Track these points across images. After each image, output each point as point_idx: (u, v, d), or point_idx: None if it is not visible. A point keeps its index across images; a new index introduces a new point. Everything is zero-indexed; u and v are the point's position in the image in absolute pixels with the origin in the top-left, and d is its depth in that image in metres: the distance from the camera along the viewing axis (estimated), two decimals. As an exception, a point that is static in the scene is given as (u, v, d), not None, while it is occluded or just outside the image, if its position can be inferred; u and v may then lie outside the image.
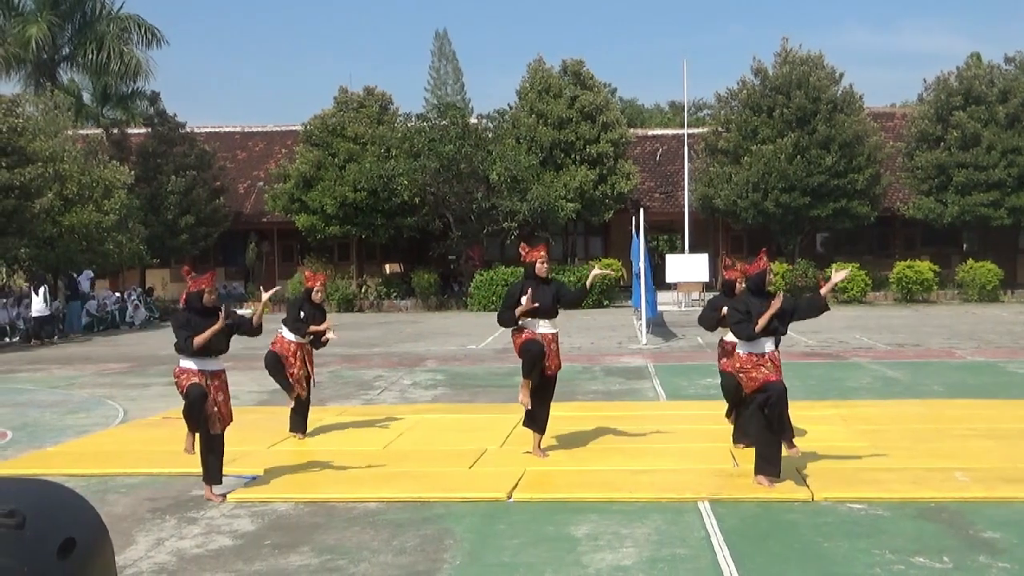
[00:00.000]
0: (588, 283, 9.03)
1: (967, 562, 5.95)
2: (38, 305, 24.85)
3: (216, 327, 7.62)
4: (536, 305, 8.68)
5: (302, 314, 10.11)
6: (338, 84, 52.06)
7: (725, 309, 8.61)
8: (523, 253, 9.20)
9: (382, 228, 34.19)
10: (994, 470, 8.20)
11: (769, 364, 7.76)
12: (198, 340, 7.59)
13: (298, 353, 10.08)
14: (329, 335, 10.28)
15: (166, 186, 34.58)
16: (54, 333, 25.53)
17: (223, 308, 7.92)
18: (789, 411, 7.92)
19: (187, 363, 7.76)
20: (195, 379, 7.68)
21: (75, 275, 29.48)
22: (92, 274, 31.06)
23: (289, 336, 10.13)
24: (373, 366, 17.57)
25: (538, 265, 8.95)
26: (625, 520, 6.97)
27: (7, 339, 25.36)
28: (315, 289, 10.30)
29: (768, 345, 7.82)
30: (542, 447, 9.11)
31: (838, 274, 8.34)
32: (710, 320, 9.27)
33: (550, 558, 6.18)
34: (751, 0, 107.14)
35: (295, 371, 10.02)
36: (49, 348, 23.54)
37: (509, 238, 33.49)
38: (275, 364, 10.15)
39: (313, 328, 10.06)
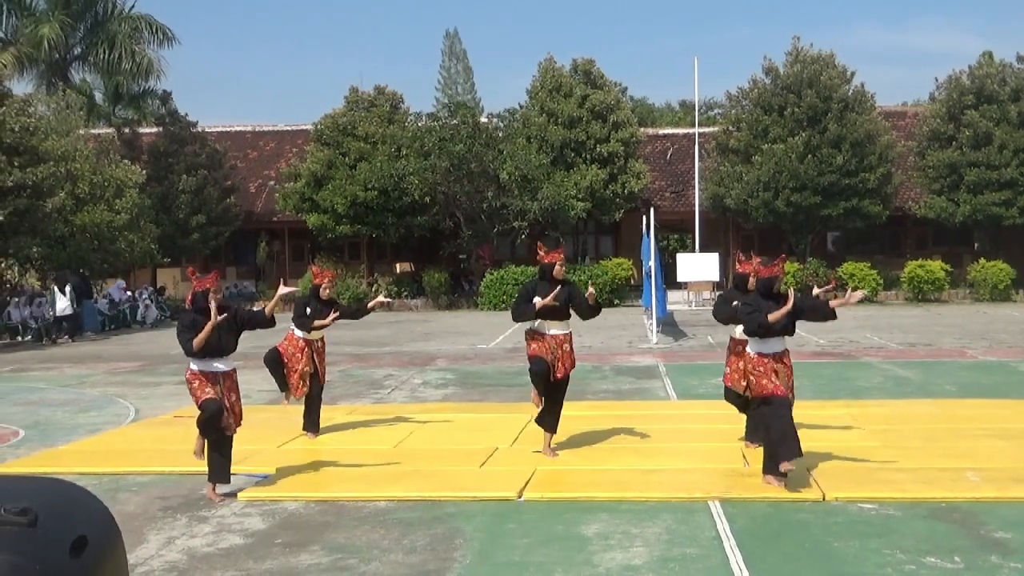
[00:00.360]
0: (591, 303, 9.03)
1: (979, 562, 5.92)
2: (62, 304, 24.94)
3: (211, 323, 7.50)
4: (557, 304, 8.71)
5: (308, 310, 10.17)
6: (349, 83, 52.18)
7: (736, 303, 8.58)
8: (541, 253, 9.22)
9: (393, 227, 34.24)
10: (1006, 470, 8.17)
11: (781, 369, 7.70)
12: (197, 340, 7.51)
13: (306, 350, 10.12)
14: (381, 298, 10.64)
15: (177, 185, 34.69)
16: (74, 332, 25.60)
17: (227, 306, 7.88)
18: (799, 412, 7.87)
19: (197, 366, 7.73)
20: (209, 391, 7.61)
21: (87, 274, 29.60)
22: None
23: (299, 332, 10.18)
24: (383, 365, 17.59)
25: (556, 268, 8.98)
26: (635, 519, 6.96)
27: (19, 338, 25.47)
28: (323, 285, 10.35)
29: (779, 345, 7.78)
30: (552, 446, 9.12)
31: (855, 294, 8.18)
32: (726, 314, 8.94)
33: (560, 557, 6.18)
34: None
35: (300, 367, 10.06)
36: (61, 347, 23.63)
37: (520, 237, 33.51)
38: (274, 361, 10.21)
39: (318, 323, 10.10)
